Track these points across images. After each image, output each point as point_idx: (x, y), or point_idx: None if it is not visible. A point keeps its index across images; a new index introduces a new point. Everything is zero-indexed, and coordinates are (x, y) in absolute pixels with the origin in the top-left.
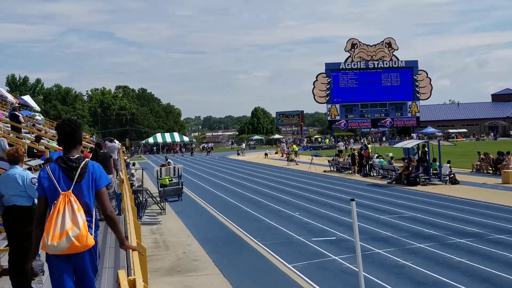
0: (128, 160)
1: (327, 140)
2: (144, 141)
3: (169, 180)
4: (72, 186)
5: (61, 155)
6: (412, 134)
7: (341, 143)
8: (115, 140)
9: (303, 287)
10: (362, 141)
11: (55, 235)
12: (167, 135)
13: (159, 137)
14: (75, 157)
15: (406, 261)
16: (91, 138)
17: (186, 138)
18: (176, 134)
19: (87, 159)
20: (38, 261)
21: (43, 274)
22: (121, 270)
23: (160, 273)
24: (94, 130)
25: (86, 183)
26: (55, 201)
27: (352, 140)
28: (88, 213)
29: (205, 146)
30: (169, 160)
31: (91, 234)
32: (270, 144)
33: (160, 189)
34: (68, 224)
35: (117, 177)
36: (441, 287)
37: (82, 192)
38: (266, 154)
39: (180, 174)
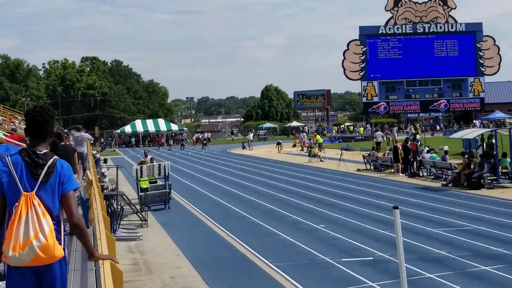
0: (98, 155)
1: (361, 128)
2: (119, 130)
3: (151, 182)
4: (36, 187)
5: (10, 146)
6: (474, 121)
7: (379, 133)
8: (84, 130)
9: None
10: (408, 130)
11: (17, 245)
12: (150, 122)
13: (138, 125)
14: (42, 152)
15: None
16: (58, 127)
17: (174, 127)
18: (161, 121)
19: (55, 157)
20: (2, 266)
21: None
22: None
23: None
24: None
25: (52, 184)
26: (16, 203)
27: (395, 128)
28: (53, 219)
29: (200, 136)
30: (150, 156)
31: (60, 244)
32: (286, 134)
33: (140, 193)
34: (32, 232)
35: (84, 177)
36: None
37: (47, 195)
38: (278, 144)
39: (167, 174)
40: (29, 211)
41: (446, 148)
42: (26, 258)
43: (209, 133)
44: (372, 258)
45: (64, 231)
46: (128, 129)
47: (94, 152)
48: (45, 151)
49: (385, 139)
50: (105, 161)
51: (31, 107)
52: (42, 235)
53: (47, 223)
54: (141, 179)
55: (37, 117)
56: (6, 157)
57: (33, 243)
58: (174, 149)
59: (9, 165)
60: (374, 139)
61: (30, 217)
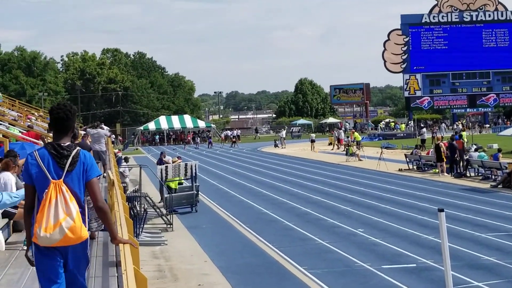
0: (119, 154)
1: (403, 125)
2: (142, 127)
3: (178, 184)
4: (63, 175)
5: (25, 144)
6: None
7: (425, 130)
8: (103, 125)
9: None
10: (455, 126)
11: (48, 226)
12: (175, 118)
13: (163, 121)
14: (66, 144)
15: None
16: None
17: (201, 123)
18: (187, 118)
19: (78, 148)
20: (30, 252)
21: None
22: None
23: None
24: None
25: (77, 173)
26: (46, 190)
27: (444, 125)
28: (79, 204)
29: (229, 134)
30: (168, 157)
31: (85, 226)
32: (321, 132)
33: (166, 195)
34: (61, 215)
35: (104, 176)
36: None
37: (73, 182)
38: (312, 142)
39: (194, 174)
40: (58, 197)
41: (496, 146)
42: (56, 238)
43: (239, 130)
44: (415, 265)
45: (88, 211)
46: (151, 126)
47: (116, 150)
48: (68, 143)
49: (435, 137)
50: (126, 159)
51: (55, 104)
52: (70, 218)
53: (75, 207)
54: (170, 179)
55: (60, 114)
56: (34, 152)
57: (63, 225)
58: (201, 147)
59: (37, 158)
60: (419, 137)
61: (59, 202)
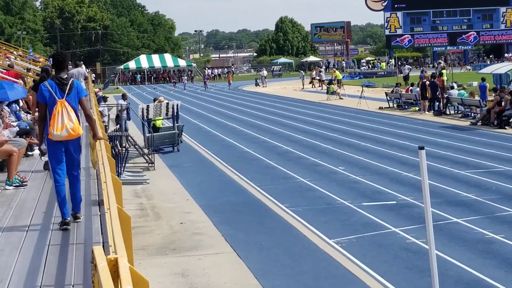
0: (100, 94)
1: (384, 63)
2: (122, 66)
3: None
4: (65, 96)
5: (5, 83)
6: (506, 55)
7: (407, 67)
8: (82, 65)
9: (350, 271)
10: (436, 64)
11: (58, 127)
12: (155, 57)
13: (143, 60)
14: (64, 77)
15: (496, 234)
16: (47, 62)
17: (182, 62)
18: (168, 56)
19: (72, 79)
20: (44, 146)
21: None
22: (96, 246)
23: (148, 251)
24: (51, 51)
25: (73, 94)
26: (55, 106)
27: (442, 63)
28: (76, 114)
29: (211, 73)
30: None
31: (81, 127)
32: (302, 70)
33: (147, 135)
34: (66, 121)
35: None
36: None
37: (71, 100)
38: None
39: (176, 113)
40: (63, 110)
41: (475, 84)
42: (64, 135)
43: (221, 69)
44: (395, 202)
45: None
46: (132, 65)
47: (96, 90)
48: (66, 76)
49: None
50: (105, 99)
51: (55, 52)
52: (71, 122)
53: (74, 116)
54: (154, 118)
55: (59, 58)
56: (45, 82)
57: (67, 127)
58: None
59: (48, 86)
60: (401, 74)
61: (64, 113)
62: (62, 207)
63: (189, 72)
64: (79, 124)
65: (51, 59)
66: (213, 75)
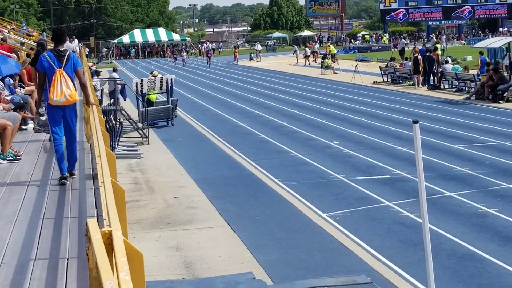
0: (94, 68)
1: (385, 38)
2: (116, 41)
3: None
4: (63, 67)
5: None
6: (500, 29)
7: (403, 41)
8: (73, 40)
9: (344, 245)
10: (430, 39)
11: (57, 94)
12: (149, 31)
13: (137, 34)
14: (62, 49)
15: (489, 208)
16: (40, 36)
17: (176, 36)
18: (162, 31)
19: (69, 51)
20: (42, 108)
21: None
22: (90, 219)
23: (142, 225)
24: (45, 25)
25: (70, 65)
26: (53, 75)
27: (445, 36)
28: (72, 82)
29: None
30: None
31: (77, 94)
32: (297, 45)
33: (141, 109)
34: (64, 88)
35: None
36: None
37: (68, 70)
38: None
39: (170, 88)
40: (61, 78)
41: (470, 58)
42: (62, 101)
43: (214, 44)
44: (388, 176)
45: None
46: (126, 39)
47: (90, 64)
48: (63, 48)
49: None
50: (98, 73)
51: (54, 27)
52: (69, 89)
53: (71, 84)
54: (149, 92)
55: (58, 32)
56: (44, 53)
57: (65, 93)
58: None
59: (47, 57)
60: (397, 48)
61: (62, 81)
62: (60, 163)
63: (184, 47)
64: (76, 90)
65: (44, 33)
66: (207, 49)
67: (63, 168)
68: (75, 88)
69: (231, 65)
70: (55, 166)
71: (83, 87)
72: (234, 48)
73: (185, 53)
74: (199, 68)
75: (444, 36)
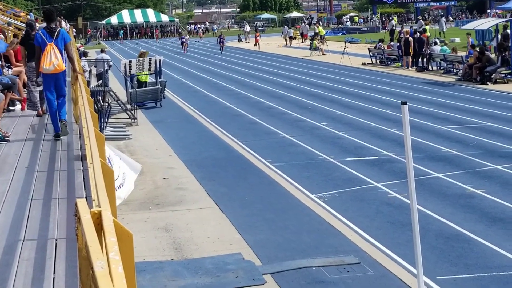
0: (82, 49)
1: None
2: (104, 22)
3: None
4: (53, 41)
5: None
6: (488, 11)
7: (392, 23)
8: (62, 20)
9: (332, 226)
10: (417, 20)
11: (47, 63)
12: (138, 12)
13: (126, 15)
14: (53, 27)
15: (476, 188)
16: (28, 17)
17: (165, 17)
18: (150, 12)
19: (59, 28)
20: (40, 78)
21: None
22: (80, 199)
23: (131, 206)
24: (32, 5)
25: (60, 39)
26: (45, 47)
27: (443, 19)
28: (61, 54)
29: (193, 28)
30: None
31: (64, 64)
32: (286, 26)
33: (130, 90)
34: (53, 58)
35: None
36: None
37: (58, 44)
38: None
39: (159, 69)
40: (51, 50)
41: (458, 40)
42: (51, 69)
43: (202, 25)
44: (377, 157)
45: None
46: (114, 20)
47: (78, 45)
48: (54, 26)
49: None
50: (85, 54)
51: (44, 9)
52: (57, 59)
53: (59, 55)
54: (139, 73)
55: (48, 13)
56: (39, 31)
57: (54, 63)
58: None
59: (41, 34)
60: (387, 29)
61: (52, 53)
62: (54, 121)
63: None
64: (63, 62)
65: (31, 13)
66: (195, 31)
67: (56, 126)
68: (63, 60)
69: (219, 46)
70: (44, 147)
71: (70, 59)
72: (256, 32)
73: (186, 37)
74: (187, 48)
75: (443, 19)
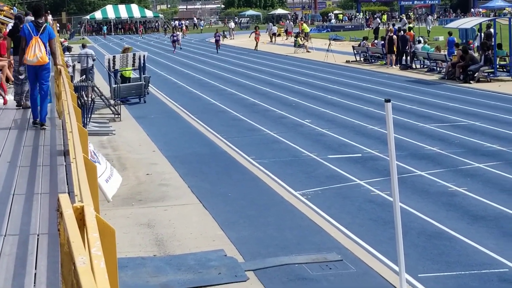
0: (66, 44)
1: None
2: (88, 17)
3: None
4: (39, 35)
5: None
6: (472, 10)
7: (378, 20)
8: (49, 15)
9: (315, 222)
10: (400, 19)
11: (31, 55)
12: (122, 8)
13: (110, 10)
14: (40, 21)
15: (458, 187)
16: (11, 11)
17: (149, 13)
18: (134, 7)
19: (46, 23)
20: (22, 67)
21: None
22: (62, 194)
23: (114, 202)
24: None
25: (45, 34)
26: (31, 40)
27: (430, 17)
28: (45, 47)
29: (177, 24)
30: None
31: (47, 58)
32: (271, 23)
33: (113, 86)
34: (37, 51)
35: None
36: (508, 222)
37: (43, 38)
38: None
39: (143, 65)
40: (36, 43)
41: (441, 38)
42: (34, 61)
43: (187, 21)
44: (360, 155)
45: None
46: (98, 15)
47: (62, 40)
48: (41, 21)
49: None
50: (69, 49)
51: (33, 4)
52: (40, 52)
53: (43, 49)
54: (123, 68)
55: (36, 8)
56: (26, 24)
57: (37, 55)
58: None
59: (28, 27)
60: (371, 27)
61: (36, 46)
62: (34, 110)
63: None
64: (48, 54)
65: (15, 7)
66: (180, 26)
67: (36, 114)
68: (46, 53)
69: (204, 43)
70: (26, 142)
71: (53, 54)
72: (255, 30)
73: (179, 34)
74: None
75: (430, 17)
